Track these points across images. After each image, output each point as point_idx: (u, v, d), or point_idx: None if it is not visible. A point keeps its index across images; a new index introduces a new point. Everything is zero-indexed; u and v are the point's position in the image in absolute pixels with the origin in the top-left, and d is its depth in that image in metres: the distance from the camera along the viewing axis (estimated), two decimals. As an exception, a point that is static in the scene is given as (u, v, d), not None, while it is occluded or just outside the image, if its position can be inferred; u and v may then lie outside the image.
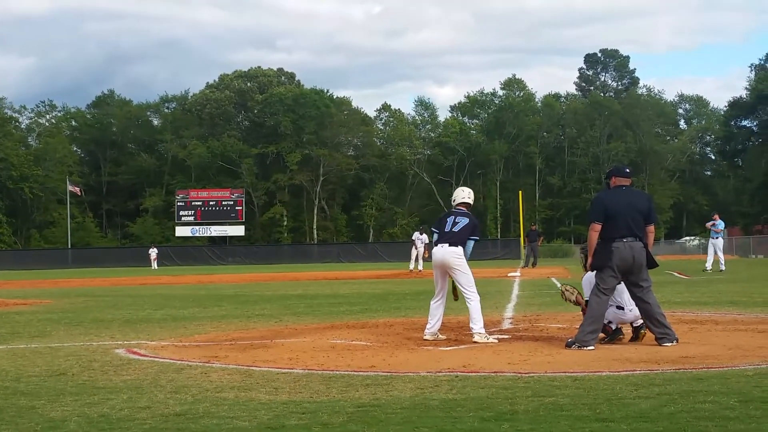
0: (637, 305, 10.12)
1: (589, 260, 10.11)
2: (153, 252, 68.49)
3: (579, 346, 9.67)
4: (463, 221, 11.07)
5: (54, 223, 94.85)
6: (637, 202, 10.26)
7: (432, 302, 11.20)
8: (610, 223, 9.97)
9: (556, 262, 53.70)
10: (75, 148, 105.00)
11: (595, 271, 10.08)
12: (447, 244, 10.97)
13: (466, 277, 10.93)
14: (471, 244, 10.99)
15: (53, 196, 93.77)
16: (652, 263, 10.09)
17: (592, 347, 9.65)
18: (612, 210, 10.03)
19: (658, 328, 9.92)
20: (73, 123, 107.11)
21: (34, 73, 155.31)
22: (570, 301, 10.86)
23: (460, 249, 10.92)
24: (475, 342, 10.51)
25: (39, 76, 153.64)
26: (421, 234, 38.04)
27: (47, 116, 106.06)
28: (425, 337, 10.98)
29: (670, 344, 9.74)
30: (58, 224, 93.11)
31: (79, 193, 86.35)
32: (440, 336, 11.01)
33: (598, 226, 10.00)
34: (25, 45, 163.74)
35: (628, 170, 10.51)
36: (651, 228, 10.16)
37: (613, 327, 10.29)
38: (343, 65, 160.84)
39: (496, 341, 10.59)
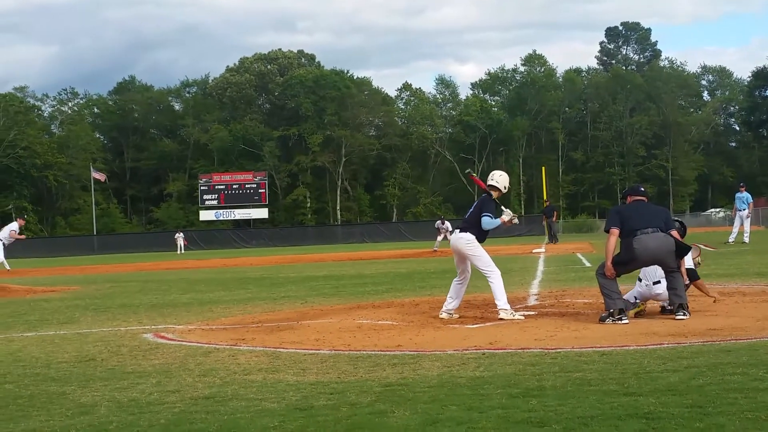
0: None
1: (607, 263, 10.06)
2: (180, 237, 68.34)
3: (613, 320, 9.69)
4: (473, 206, 11.16)
5: (79, 210, 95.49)
6: (654, 209, 10.49)
7: (455, 281, 11.25)
8: (627, 222, 10.10)
9: (581, 237, 53.53)
10: (98, 135, 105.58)
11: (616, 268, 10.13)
12: (458, 230, 11.15)
13: (479, 259, 10.97)
14: (485, 220, 10.87)
15: (77, 183, 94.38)
16: (683, 250, 10.08)
17: (626, 320, 9.66)
18: (627, 213, 10.23)
19: (676, 300, 9.97)
20: (96, 110, 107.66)
21: (57, 62, 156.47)
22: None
23: (468, 234, 10.95)
24: (500, 319, 10.50)
25: (61, 64, 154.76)
26: (443, 223, 38.76)
27: (69, 104, 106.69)
28: (440, 315, 11.04)
29: (683, 317, 9.74)
30: (83, 211, 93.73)
31: (103, 180, 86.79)
32: (455, 315, 11.02)
33: (616, 231, 10.12)
34: (47, 34, 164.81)
35: (642, 189, 10.84)
36: (673, 233, 10.15)
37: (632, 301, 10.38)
38: (363, 45, 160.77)
39: (522, 318, 10.58)
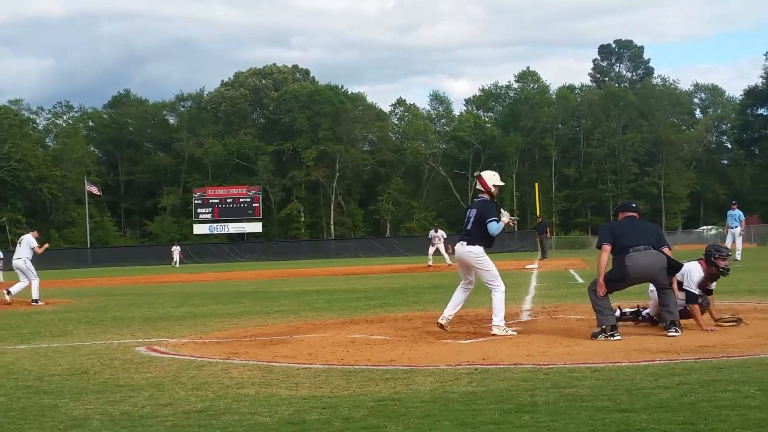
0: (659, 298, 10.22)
1: (599, 280, 10.08)
2: (176, 250, 68.17)
3: (606, 336, 9.71)
4: (473, 214, 11.07)
5: (73, 223, 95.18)
6: (646, 225, 10.51)
7: (460, 286, 11.26)
8: (619, 239, 10.12)
9: (574, 254, 53.55)
10: (92, 148, 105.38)
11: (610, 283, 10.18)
12: (465, 243, 11.01)
13: (488, 273, 10.93)
14: (492, 226, 10.81)
15: (72, 196, 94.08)
16: (674, 267, 10.11)
17: (618, 337, 9.68)
18: (619, 230, 10.25)
19: (668, 317, 10.00)
20: (90, 123, 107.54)
21: (51, 75, 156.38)
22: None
23: (476, 248, 10.89)
24: (493, 334, 10.51)
25: (56, 77, 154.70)
26: (436, 231, 38.36)
27: (64, 117, 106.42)
28: (439, 320, 11.07)
29: (675, 333, 9.76)
30: (77, 224, 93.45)
31: (98, 193, 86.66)
32: (448, 329, 11.00)
33: (607, 247, 10.14)
34: (42, 47, 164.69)
35: (634, 205, 10.81)
36: (665, 250, 10.18)
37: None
38: (357, 61, 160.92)
39: (515, 333, 10.59)
